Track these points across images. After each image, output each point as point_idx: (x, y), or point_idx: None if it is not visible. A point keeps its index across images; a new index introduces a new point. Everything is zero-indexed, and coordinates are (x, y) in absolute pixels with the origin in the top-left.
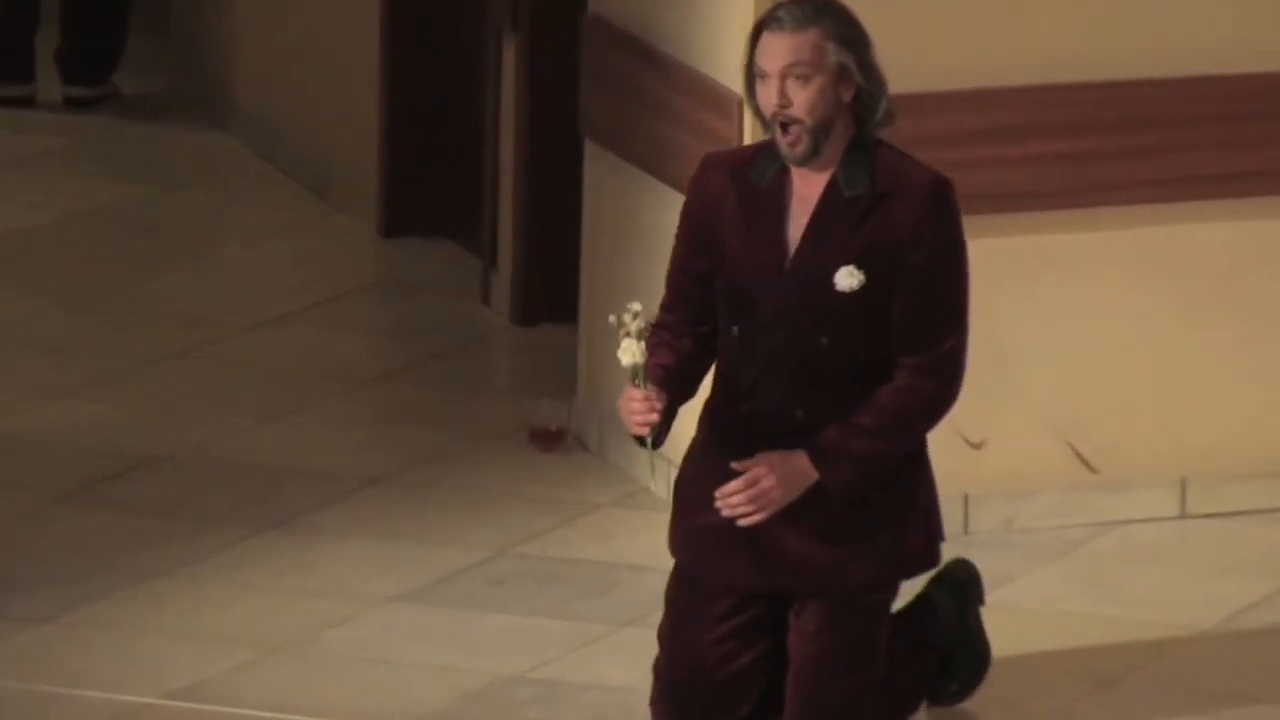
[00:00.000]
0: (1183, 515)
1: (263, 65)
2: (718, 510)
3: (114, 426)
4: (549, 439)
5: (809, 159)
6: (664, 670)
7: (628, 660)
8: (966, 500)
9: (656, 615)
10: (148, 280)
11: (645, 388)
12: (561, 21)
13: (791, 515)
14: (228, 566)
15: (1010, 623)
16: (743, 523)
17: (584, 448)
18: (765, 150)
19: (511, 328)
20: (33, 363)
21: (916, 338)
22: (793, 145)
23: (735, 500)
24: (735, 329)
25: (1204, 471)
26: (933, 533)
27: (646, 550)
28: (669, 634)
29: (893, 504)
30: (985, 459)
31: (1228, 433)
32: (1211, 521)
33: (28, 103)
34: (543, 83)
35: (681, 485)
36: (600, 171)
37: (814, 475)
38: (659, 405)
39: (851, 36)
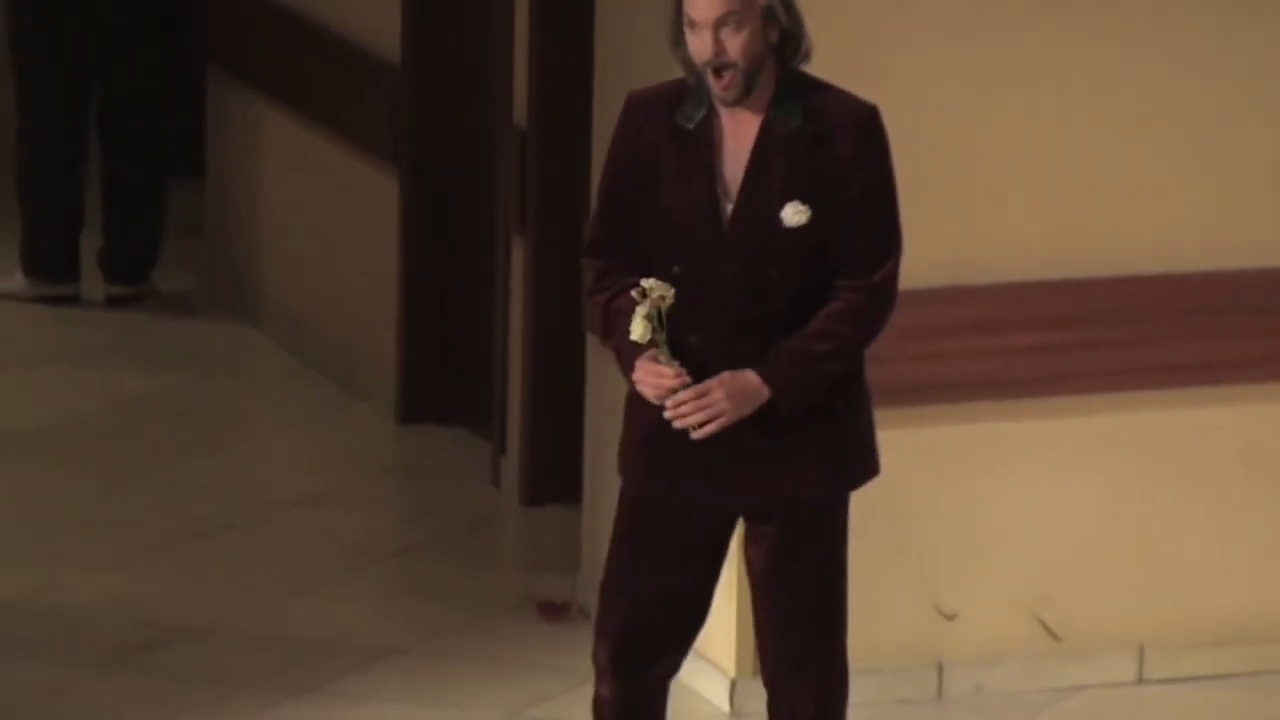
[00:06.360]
0: (1140, 680)
1: (289, 264)
2: (666, 434)
3: (150, 598)
4: (555, 611)
5: (742, 99)
6: (609, 627)
7: None
8: (940, 667)
9: None
10: (183, 463)
11: (669, 363)
12: (564, 224)
13: (739, 439)
14: None
15: None
16: (695, 434)
17: (588, 618)
18: (689, 93)
19: (520, 508)
20: (77, 539)
21: (860, 263)
22: (726, 88)
23: (686, 409)
24: (677, 268)
25: (1161, 638)
26: (872, 442)
27: None
28: (614, 588)
29: (836, 422)
30: (958, 629)
31: (1184, 601)
32: (1168, 686)
33: (74, 300)
34: (547, 280)
35: (631, 404)
36: (601, 362)
37: (764, 393)
38: (688, 380)
39: None
